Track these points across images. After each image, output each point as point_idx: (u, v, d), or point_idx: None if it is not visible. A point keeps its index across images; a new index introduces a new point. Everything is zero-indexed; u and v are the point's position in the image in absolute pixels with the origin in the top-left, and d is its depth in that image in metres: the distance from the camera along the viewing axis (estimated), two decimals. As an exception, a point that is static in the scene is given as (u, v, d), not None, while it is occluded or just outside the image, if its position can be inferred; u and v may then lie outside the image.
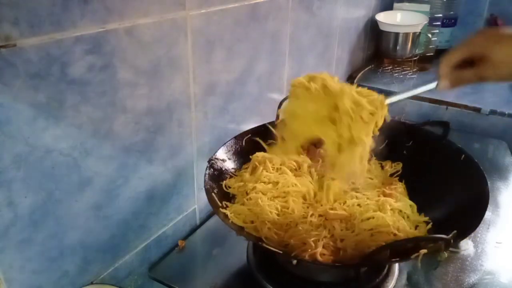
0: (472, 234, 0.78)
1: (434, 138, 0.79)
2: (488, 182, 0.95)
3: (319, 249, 0.56)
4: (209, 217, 0.86)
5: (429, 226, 0.65)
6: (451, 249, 0.72)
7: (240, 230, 0.61)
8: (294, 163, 0.77)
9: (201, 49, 0.72)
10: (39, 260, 0.55)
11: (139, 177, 0.67)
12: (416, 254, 0.51)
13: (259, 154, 0.76)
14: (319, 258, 0.55)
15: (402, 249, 0.55)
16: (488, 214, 0.85)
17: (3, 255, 0.50)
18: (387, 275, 0.68)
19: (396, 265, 0.69)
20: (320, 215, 0.64)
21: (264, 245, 0.57)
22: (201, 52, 0.72)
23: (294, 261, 0.57)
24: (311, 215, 0.63)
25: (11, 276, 0.52)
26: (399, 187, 0.73)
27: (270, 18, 0.89)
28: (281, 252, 0.56)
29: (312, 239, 0.57)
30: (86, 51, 0.52)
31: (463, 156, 0.72)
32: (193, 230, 0.82)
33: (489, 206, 0.86)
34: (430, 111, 1.31)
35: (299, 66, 1.08)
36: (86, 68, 0.53)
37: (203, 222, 0.85)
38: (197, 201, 0.83)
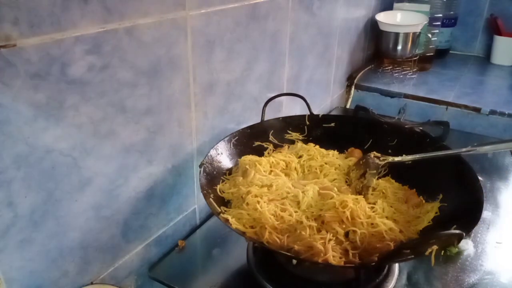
0: (472, 234, 0.79)
1: (417, 136, 0.81)
2: (488, 182, 0.96)
3: (331, 252, 0.56)
4: (209, 217, 0.86)
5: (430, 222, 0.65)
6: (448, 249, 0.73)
7: (246, 235, 0.61)
8: (283, 163, 0.77)
9: (201, 49, 0.72)
10: (39, 260, 0.54)
11: (139, 177, 0.67)
12: (429, 250, 0.52)
13: (246, 158, 0.76)
14: (332, 261, 0.55)
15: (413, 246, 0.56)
16: (488, 214, 0.85)
17: (3, 255, 0.50)
18: (387, 275, 0.67)
19: (396, 265, 0.69)
20: (315, 219, 0.63)
21: (283, 251, 0.58)
22: (201, 52, 0.72)
23: (294, 261, 0.57)
24: (307, 218, 0.63)
25: (11, 276, 0.52)
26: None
27: (270, 18, 0.89)
28: (301, 259, 0.57)
29: (319, 242, 0.57)
30: (86, 51, 0.52)
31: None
32: (193, 230, 0.82)
33: (489, 206, 0.88)
34: (430, 111, 1.31)
35: (299, 66, 1.08)
36: (86, 68, 0.53)
37: (203, 222, 0.85)
38: (197, 201, 0.83)
